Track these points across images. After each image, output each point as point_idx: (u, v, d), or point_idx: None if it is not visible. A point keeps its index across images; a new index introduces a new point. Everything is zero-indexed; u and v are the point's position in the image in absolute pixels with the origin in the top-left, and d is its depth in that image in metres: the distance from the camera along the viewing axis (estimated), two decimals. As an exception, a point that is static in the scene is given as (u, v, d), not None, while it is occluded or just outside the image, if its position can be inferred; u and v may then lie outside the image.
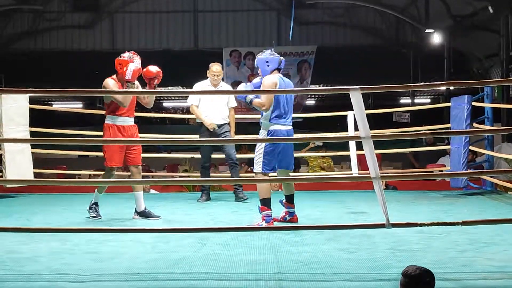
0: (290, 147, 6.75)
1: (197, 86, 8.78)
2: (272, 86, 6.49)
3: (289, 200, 6.79)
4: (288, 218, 6.79)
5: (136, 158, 7.23)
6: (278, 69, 6.69)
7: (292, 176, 8.48)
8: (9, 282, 4.40)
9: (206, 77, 8.65)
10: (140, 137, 8.20)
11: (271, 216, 6.51)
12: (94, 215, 7.15)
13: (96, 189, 7.19)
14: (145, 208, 7.14)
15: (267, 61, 6.66)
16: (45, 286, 4.30)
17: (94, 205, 7.20)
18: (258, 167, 6.63)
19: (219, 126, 8.60)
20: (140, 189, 7.18)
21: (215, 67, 8.70)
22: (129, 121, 7.23)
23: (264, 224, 6.43)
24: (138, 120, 7.55)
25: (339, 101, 19.39)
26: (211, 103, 8.59)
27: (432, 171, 11.82)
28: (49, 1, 19.60)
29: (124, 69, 7.01)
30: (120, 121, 7.15)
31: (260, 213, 6.51)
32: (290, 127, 6.70)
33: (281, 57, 6.80)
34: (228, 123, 8.71)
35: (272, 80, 6.55)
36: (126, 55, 7.24)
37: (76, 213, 7.72)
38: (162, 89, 17.25)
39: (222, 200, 8.86)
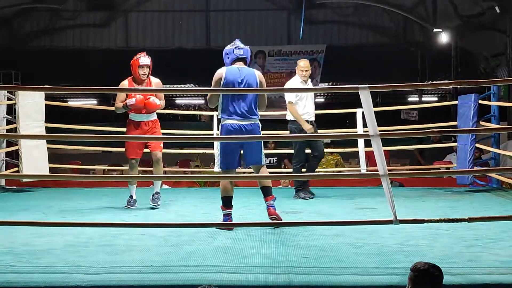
0: (251, 143, 6.27)
1: (290, 84, 8.52)
2: (216, 79, 6.24)
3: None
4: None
5: (153, 149, 7.62)
6: (241, 59, 6.32)
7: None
8: (26, 273, 4.43)
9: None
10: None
11: (229, 215, 6.17)
12: (126, 204, 7.66)
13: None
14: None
15: (227, 53, 6.36)
16: (61, 278, 4.31)
17: (129, 197, 7.71)
18: (216, 166, 6.47)
19: (312, 123, 8.34)
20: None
21: (302, 63, 8.36)
22: (144, 117, 7.55)
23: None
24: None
25: (348, 99, 19.36)
26: (307, 101, 8.32)
27: (439, 168, 11.79)
28: (65, 0, 19.64)
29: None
30: (136, 117, 7.58)
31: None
32: (250, 121, 6.24)
33: (242, 47, 6.36)
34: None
35: (217, 75, 6.27)
36: (137, 56, 7.60)
37: (91, 207, 7.75)
38: (174, 87, 17.26)
39: (234, 195, 8.85)
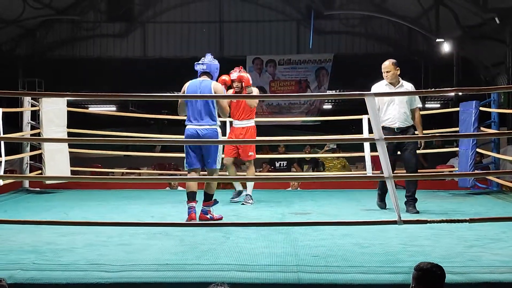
0: (208, 148, 6.63)
1: (375, 88, 7.31)
2: (182, 91, 6.76)
3: (207, 199, 6.70)
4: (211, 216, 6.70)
5: (242, 153, 8.08)
6: (205, 73, 6.73)
7: (312, 175, 8.46)
8: (48, 271, 4.44)
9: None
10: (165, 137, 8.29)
11: (192, 208, 6.54)
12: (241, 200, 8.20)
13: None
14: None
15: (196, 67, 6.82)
16: (81, 275, 4.32)
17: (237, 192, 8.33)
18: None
19: (402, 130, 7.18)
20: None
21: (383, 63, 7.38)
22: (237, 123, 8.16)
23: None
24: (166, 121, 7.76)
25: (355, 106, 19.34)
26: (391, 105, 7.20)
27: (443, 172, 11.74)
28: (86, 12, 19.73)
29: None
30: (233, 123, 8.27)
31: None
32: (205, 126, 6.59)
33: (206, 62, 6.77)
34: (413, 125, 7.30)
35: (183, 88, 6.79)
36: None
37: (110, 207, 7.77)
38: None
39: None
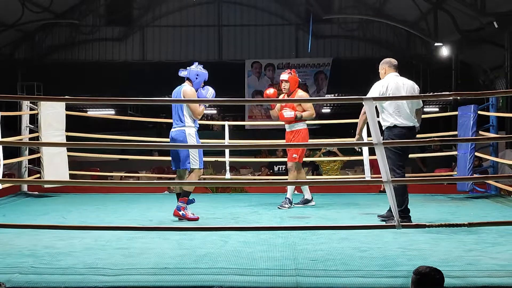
0: (174, 151, 7.10)
1: (378, 85, 6.73)
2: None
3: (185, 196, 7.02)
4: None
5: (288, 156, 8.14)
6: (187, 78, 7.13)
7: (311, 179, 8.47)
8: (47, 275, 4.43)
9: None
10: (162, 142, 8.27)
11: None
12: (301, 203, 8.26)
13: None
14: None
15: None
16: (80, 279, 4.32)
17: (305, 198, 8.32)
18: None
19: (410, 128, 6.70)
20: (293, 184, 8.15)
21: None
22: (287, 128, 8.20)
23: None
24: (165, 124, 7.82)
25: (353, 109, 19.36)
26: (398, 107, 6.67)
27: (441, 175, 11.74)
28: (84, 16, 19.77)
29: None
30: (303, 125, 8.14)
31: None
32: (176, 129, 7.02)
33: (189, 68, 7.16)
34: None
35: None
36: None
37: (108, 211, 7.76)
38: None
39: (244, 201, 8.87)
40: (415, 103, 6.77)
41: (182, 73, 7.12)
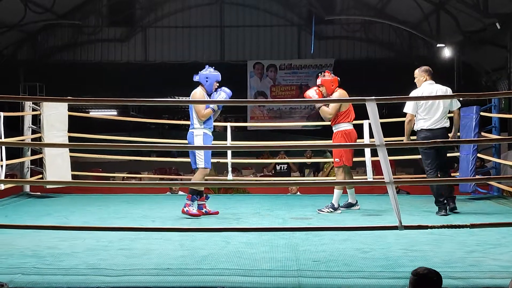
0: (189, 151, 7.53)
1: (414, 93, 7.58)
2: None
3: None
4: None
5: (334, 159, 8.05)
6: (199, 82, 7.40)
7: (312, 179, 8.46)
8: (49, 275, 4.44)
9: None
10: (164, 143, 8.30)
11: (199, 205, 7.39)
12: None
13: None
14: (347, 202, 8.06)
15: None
16: (82, 280, 4.32)
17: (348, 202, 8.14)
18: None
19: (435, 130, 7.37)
20: (339, 188, 7.84)
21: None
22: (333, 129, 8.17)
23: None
24: (167, 125, 7.83)
25: (355, 110, 19.35)
26: (430, 109, 7.42)
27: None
28: (87, 16, 19.78)
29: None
30: (342, 126, 8.15)
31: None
32: (189, 132, 7.41)
33: (200, 73, 7.43)
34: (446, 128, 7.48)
35: None
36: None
37: (111, 212, 7.77)
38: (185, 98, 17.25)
39: (246, 202, 8.87)
40: (448, 104, 7.48)
41: (195, 78, 7.41)
